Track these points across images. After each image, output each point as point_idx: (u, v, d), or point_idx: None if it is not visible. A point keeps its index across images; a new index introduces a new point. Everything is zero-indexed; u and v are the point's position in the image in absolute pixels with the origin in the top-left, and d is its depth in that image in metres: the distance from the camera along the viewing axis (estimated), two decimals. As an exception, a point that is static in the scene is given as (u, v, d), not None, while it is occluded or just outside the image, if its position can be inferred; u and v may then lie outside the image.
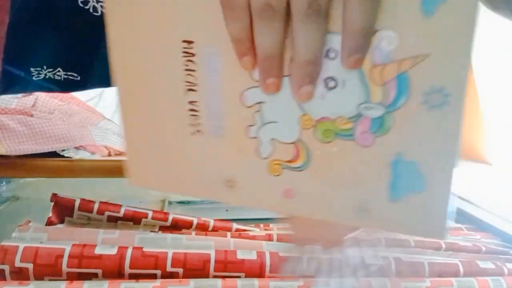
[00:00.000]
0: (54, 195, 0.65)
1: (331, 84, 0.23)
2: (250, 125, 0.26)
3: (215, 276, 0.54)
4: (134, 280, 0.51)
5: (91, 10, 0.39)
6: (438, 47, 0.21)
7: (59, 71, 0.43)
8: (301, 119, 0.24)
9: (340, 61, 0.22)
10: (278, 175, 0.26)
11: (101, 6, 0.39)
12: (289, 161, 0.26)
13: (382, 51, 0.22)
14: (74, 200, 0.65)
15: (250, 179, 0.27)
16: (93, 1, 0.39)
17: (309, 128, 0.25)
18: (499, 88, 1.31)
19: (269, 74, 0.23)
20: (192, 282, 0.51)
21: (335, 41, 0.22)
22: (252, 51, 0.22)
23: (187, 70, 0.25)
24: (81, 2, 0.39)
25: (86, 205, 0.66)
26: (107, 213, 0.67)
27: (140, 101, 0.27)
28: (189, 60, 0.25)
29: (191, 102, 0.26)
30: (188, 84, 0.25)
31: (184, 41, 0.24)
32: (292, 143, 0.25)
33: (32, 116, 1.02)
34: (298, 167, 0.26)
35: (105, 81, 0.45)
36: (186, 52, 0.25)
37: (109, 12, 0.25)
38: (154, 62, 0.26)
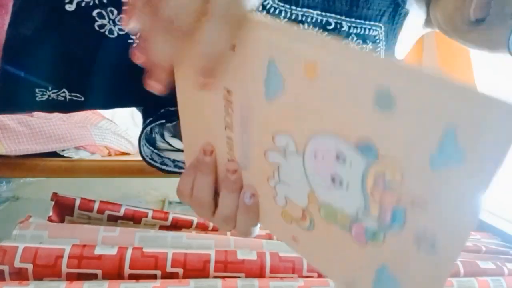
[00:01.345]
0: (55, 194, 0.65)
1: (337, 181, 0.24)
2: (270, 177, 0.28)
3: (215, 277, 0.54)
4: (134, 281, 0.51)
5: (107, 33, 0.39)
6: (439, 201, 0.20)
7: (63, 92, 0.43)
8: (309, 194, 0.26)
9: (345, 165, 0.23)
10: (288, 223, 0.29)
11: (119, 28, 0.39)
12: (298, 219, 0.28)
13: (385, 178, 0.22)
14: (75, 199, 0.65)
15: (268, 214, 0.31)
16: (109, 24, 0.39)
17: (315, 204, 0.26)
18: (499, 87, 1.31)
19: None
20: (192, 282, 0.51)
21: (343, 147, 0.23)
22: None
23: (226, 112, 0.28)
24: (98, 25, 0.39)
25: (87, 205, 0.66)
26: (107, 212, 0.67)
27: (198, 128, 0.32)
28: (228, 106, 0.28)
29: (228, 137, 0.29)
30: (226, 123, 0.29)
31: (226, 89, 0.27)
32: (301, 207, 0.27)
33: (32, 116, 1.02)
34: (303, 227, 0.28)
35: (107, 103, 0.46)
36: (227, 99, 0.28)
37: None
38: (207, 99, 0.29)
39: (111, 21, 0.39)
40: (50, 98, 0.42)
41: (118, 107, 0.49)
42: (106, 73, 0.43)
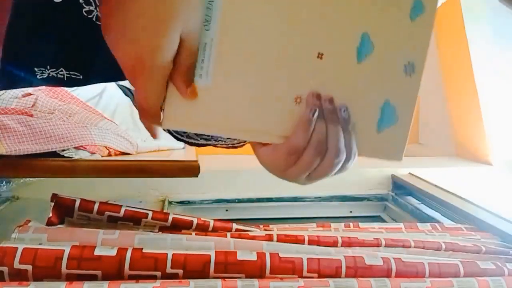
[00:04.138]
0: (54, 195, 0.65)
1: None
2: None
3: (215, 277, 0.54)
4: (134, 281, 0.51)
5: (94, 19, 0.41)
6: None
7: (61, 70, 0.45)
8: None
9: None
10: None
11: None
12: None
13: None
14: (74, 200, 0.65)
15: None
16: (96, 11, 0.41)
17: None
18: (499, 87, 1.31)
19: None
20: (192, 282, 0.51)
21: None
22: None
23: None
24: (85, 11, 0.41)
25: (86, 205, 0.66)
26: (107, 213, 0.67)
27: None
28: None
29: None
30: None
31: None
32: None
33: (32, 116, 1.02)
34: None
35: (105, 77, 0.48)
36: None
37: None
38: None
39: (97, 7, 0.40)
40: (50, 76, 0.44)
41: (115, 81, 0.52)
42: (100, 53, 0.45)
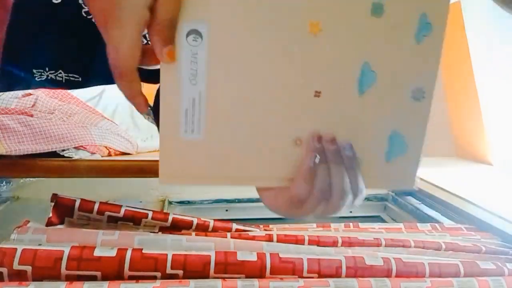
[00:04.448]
0: (54, 195, 0.65)
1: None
2: None
3: (215, 278, 0.54)
4: (134, 281, 0.51)
5: (93, 20, 0.41)
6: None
7: (60, 73, 0.45)
8: None
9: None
10: None
11: None
12: None
13: None
14: (74, 201, 0.65)
15: None
16: None
17: None
18: (499, 88, 1.30)
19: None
20: (192, 283, 0.51)
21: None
22: None
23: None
24: (85, 12, 0.40)
25: (86, 206, 0.66)
26: (107, 213, 0.67)
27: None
28: None
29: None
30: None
31: None
32: None
33: (32, 116, 1.02)
34: None
35: (104, 80, 0.48)
36: None
37: None
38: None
39: None
40: (48, 78, 0.44)
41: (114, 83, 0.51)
42: (98, 54, 0.45)
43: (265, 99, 0.33)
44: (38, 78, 0.45)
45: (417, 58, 0.34)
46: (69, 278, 0.51)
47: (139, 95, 0.32)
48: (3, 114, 0.98)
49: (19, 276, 0.50)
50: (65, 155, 1.02)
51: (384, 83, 0.34)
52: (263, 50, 0.32)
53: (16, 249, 0.51)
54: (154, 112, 0.41)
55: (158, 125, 0.49)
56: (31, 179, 1.20)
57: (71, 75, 0.45)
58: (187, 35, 0.30)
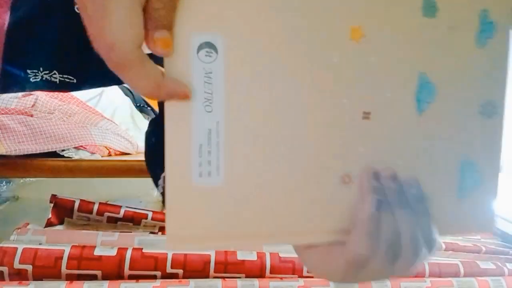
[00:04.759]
0: (54, 196, 0.65)
1: None
2: None
3: (215, 277, 0.54)
4: (134, 281, 0.51)
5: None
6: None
7: (54, 73, 0.44)
8: None
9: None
10: None
11: None
12: None
13: None
14: (74, 201, 0.65)
15: None
16: None
17: None
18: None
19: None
20: (192, 282, 0.51)
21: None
22: None
23: None
24: (77, 8, 0.40)
25: (86, 206, 0.66)
26: (106, 214, 0.67)
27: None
28: None
29: None
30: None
31: None
32: None
33: (32, 116, 1.02)
34: None
35: (99, 82, 0.46)
36: None
37: None
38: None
39: None
40: (43, 79, 0.43)
41: (109, 86, 0.49)
42: (93, 56, 0.44)
43: (300, 127, 0.25)
44: (33, 79, 0.43)
45: (481, 65, 0.27)
46: (69, 277, 0.51)
47: (156, 86, 0.23)
48: (3, 114, 0.98)
49: (19, 275, 0.50)
50: (65, 155, 1.02)
51: (446, 98, 0.27)
52: (294, 64, 0.25)
53: (16, 248, 0.51)
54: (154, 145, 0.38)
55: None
56: (31, 179, 1.20)
57: (66, 76, 0.44)
58: (199, 49, 0.23)
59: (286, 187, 0.26)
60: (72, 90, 0.45)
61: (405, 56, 0.26)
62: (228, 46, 0.24)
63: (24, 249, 0.51)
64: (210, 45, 0.24)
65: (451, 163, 0.28)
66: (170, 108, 0.24)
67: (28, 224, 0.61)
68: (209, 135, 0.25)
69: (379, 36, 0.26)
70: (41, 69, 0.43)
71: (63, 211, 0.65)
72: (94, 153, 1.08)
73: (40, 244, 0.54)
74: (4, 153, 0.91)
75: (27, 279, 0.50)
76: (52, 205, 0.65)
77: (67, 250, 0.51)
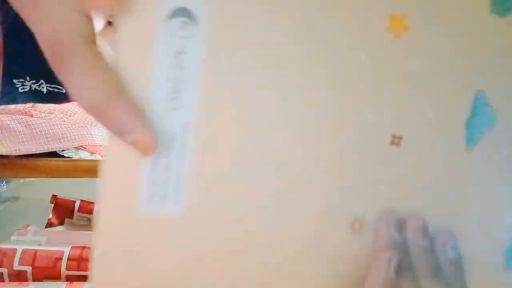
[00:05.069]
0: (54, 196, 0.65)
1: None
2: None
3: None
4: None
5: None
6: None
7: (42, 83, 0.43)
8: None
9: None
10: None
11: None
12: None
13: None
14: (74, 202, 0.65)
15: None
16: None
17: None
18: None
19: None
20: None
21: None
22: None
23: None
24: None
25: (86, 207, 0.66)
26: (107, 214, 0.67)
27: None
28: None
29: None
30: None
31: None
32: None
33: (32, 116, 1.01)
34: None
35: None
36: None
37: None
38: None
39: None
40: (32, 89, 0.42)
41: None
42: None
43: (303, 148, 0.18)
44: (21, 89, 0.43)
45: None
46: (69, 279, 0.51)
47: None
48: (3, 114, 0.98)
49: (19, 276, 0.50)
50: (65, 155, 1.02)
51: (507, 129, 0.19)
52: (301, 57, 0.17)
53: (16, 249, 0.51)
54: None
55: None
56: (31, 179, 1.20)
57: (54, 86, 0.43)
58: (171, 16, 0.16)
59: (280, 229, 0.18)
60: (62, 102, 0.45)
61: (461, 64, 0.18)
62: (213, 19, 0.16)
63: (23, 250, 0.51)
64: (187, 13, 0.16)
65: (501, 217, 0.20)
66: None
67: (28, 226, 0.61)
68: (169, 143, 0.17)
69: (428, 32, 0.18)
70: (28, 78, 0.42)
71: (63, 212, 0.65)
72: (94, 153, 1.08)
73: (39, 244, 0.54)
74: (4, 153, 0.91)
75: (27, 280, 0.50)
76: (52, 205, 0.65)
77: (66, 251, 0.51)
